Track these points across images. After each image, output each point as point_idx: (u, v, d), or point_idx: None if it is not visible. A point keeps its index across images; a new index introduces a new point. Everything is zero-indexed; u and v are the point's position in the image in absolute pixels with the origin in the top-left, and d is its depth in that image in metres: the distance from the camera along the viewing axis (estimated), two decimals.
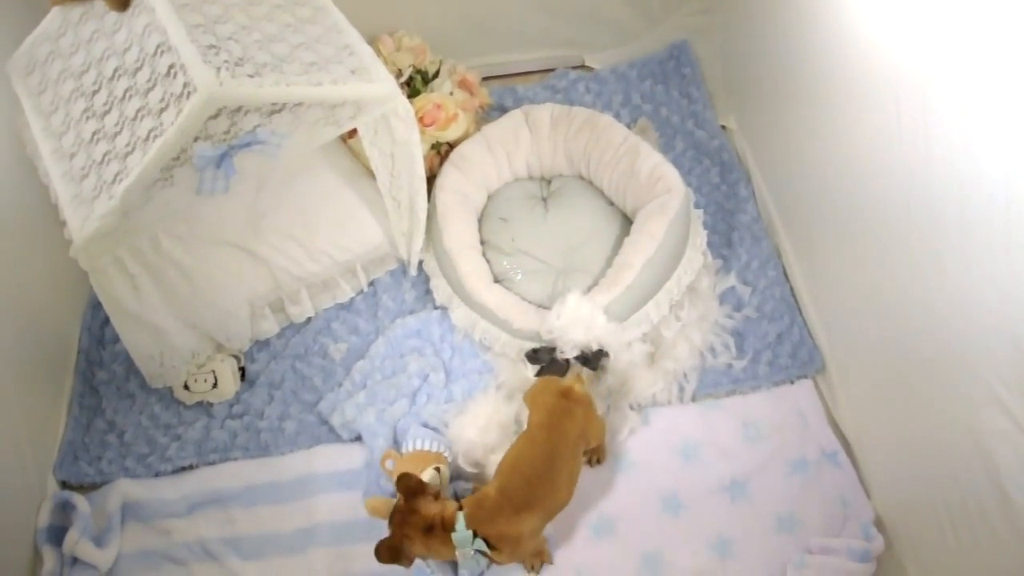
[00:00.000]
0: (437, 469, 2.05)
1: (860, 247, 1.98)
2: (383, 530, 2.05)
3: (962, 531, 1.72)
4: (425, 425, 2.17)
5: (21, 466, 2.08)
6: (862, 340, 2.06)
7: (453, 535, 1.79)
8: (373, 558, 1.94)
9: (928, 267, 1.68)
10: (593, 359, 2.06)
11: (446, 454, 2.10)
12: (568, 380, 1.99)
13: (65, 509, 2.11)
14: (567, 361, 2.06)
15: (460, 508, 1.83)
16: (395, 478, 1.95)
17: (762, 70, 2.46)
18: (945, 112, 1.57)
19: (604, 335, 2.07)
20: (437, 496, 1.86)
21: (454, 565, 2.00)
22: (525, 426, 1.97)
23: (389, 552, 1.81)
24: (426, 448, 2.09)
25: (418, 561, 1.92)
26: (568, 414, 1.93)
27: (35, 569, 2.04)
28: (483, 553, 1.83)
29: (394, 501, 1.92)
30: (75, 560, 2.04)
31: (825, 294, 2.25)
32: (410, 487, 1.83)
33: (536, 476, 1.87)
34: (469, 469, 2.11)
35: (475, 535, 1.80)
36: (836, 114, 1.99)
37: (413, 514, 1.80)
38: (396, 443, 2.16)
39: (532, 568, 2.01)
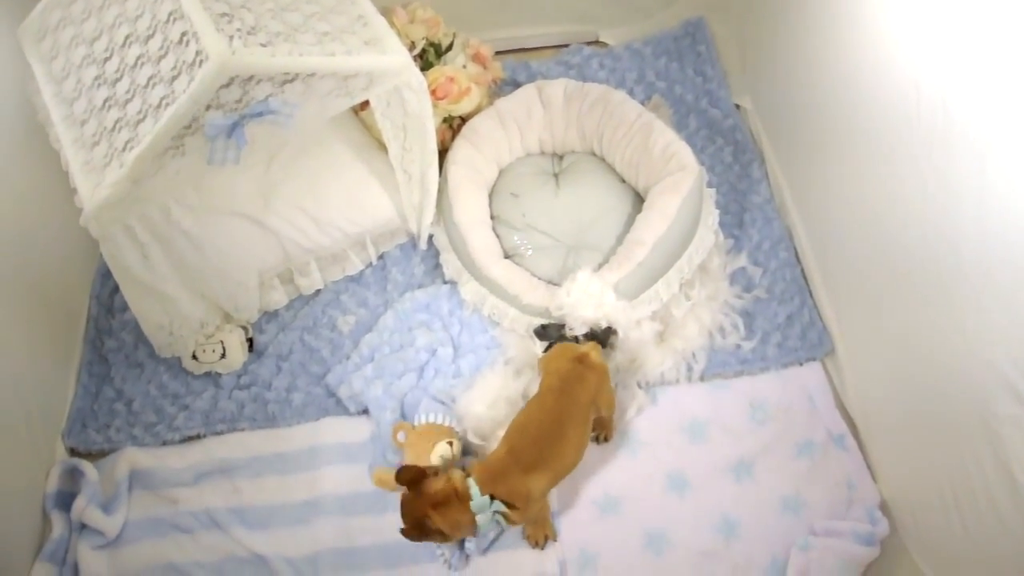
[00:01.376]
0: (450, 443, 2.06)
1: (874, 232, 1.96)
2: (388, 503, 2.07)
3: (968, 516, 1.72)
4: (433, 399, 2.17)
5: (31, 432, 2.10)
6: (873, 325, 2.05)
7: (471, 503, 1.80)
8: (377, 531, 1.96)
9: (943, 252, 1.67)
10: (602, 336, 2.05)
11: (457, 429, 2.11)
12: (585, 347, 2.00)
13: (74, 475, 2.13)
14: (576, 338, 2.06)
15: (468, 475, 1.83)
16: (405, 451, 1.96)
17: (779, 50, 2.43)
18: (965, 113, 1.55)
19: (613, 312, 2.07)
20: (437, 473, 1.86)
21: (460, 543, 2.00)
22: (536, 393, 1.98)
23: (415, 529, 1.81)
24: (438, 422, 2.10)
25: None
26: (581, 380, 1.94)
27: (44, 533, 2.06)
28: (502, 514, 1.83)
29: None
30: (83, 526, 2.06)
31: (836, 277, 2.24)
32: (412, 478, 1.82)
33: (544, 438, 1.88)
34: (477, 442, 2.11)
35: (492, 499, 1.81)
36: (854, 96, 1.97)
37: (420, 496, 1.80)
38: (403, 416, 2.17)
39: (537, 543, 2.02)
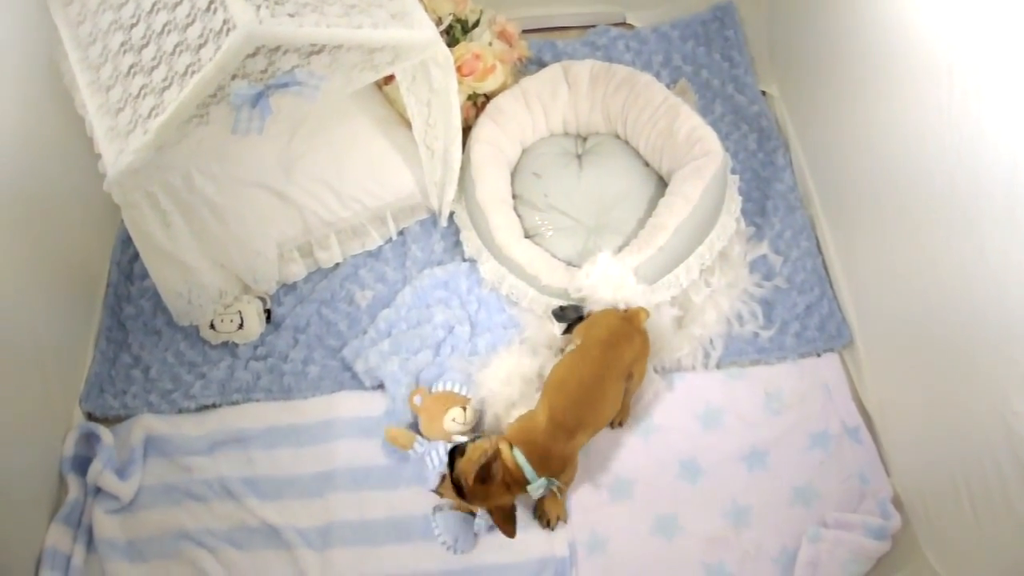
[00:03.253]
0: (463, 408, 2.08)
1: (898, 224, 1.94)
2: (401, 477, 2.09)
3: (982, 513, 1.71)
4: (453, 372, 2.19)
5: (49, 396, 2.12)
6: (892, 317, 2.04)
7: (530, 488, 1.83)
8: (389, 503, 1.98)
9: (967, 248, 1.65)
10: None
11: (473, 399, 2.12)
12: (636, 308, 2.03)
13: (90, 440, 2.15)
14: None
15: (509, 444, 1.86)
16: (420, 415, 2.07)
17: (808, 37, 2.40)
18: (1000, 92, 1.53)
19: (633, 296, 2.06)
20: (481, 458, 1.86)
21: (463, 523, 2.02)
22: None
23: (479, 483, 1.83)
24: (455, 390, 2.12)
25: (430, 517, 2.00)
26: (628, 338, 1.97)
27: (60, 496, 2.09)
28: (557, 488, 1.87)
29: (413, 436, 2.06)
30: (98, 490, 2.08)
31: (858, 268, 2.22)
32: (478, 474, 1.82)
33: (584, 395, 1.91)
34: (491, 419, 2.12)
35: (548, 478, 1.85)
36: (883, 87, 1.95)
37: (484, 485, 1.82)
38: None
39: (548, 523, 2.02)
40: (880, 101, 1.98)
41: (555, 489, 1.87)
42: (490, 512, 1.89)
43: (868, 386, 2.16)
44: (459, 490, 1.86)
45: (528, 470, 1.83)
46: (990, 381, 1.64)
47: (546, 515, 2.02)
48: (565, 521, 2.04)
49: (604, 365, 1.94)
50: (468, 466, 1.83)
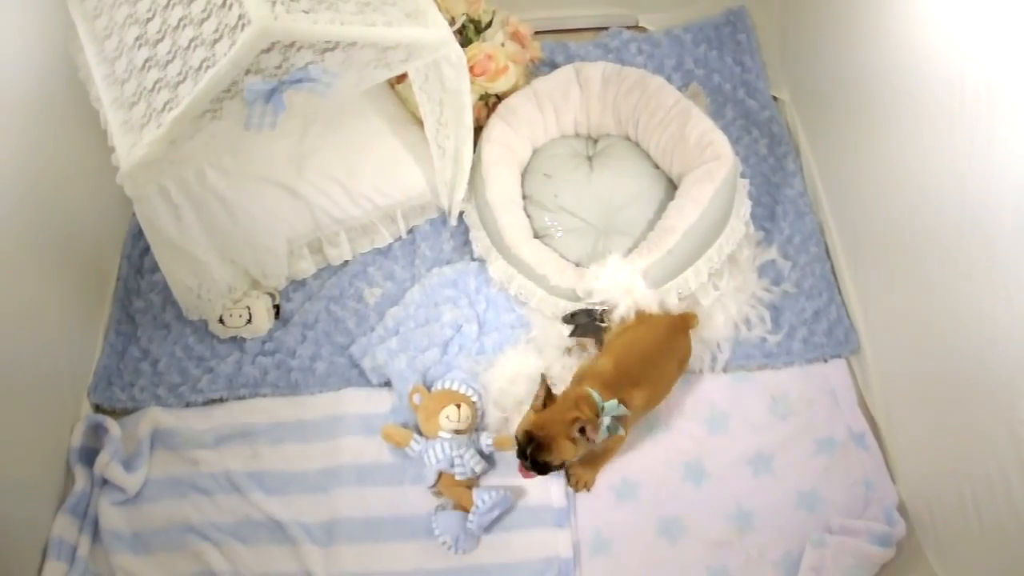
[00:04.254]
0: (458, 406, 2.08)
1: (906, 230, 1.94)
2: (406, 475, 2.09)
3: (987, 521, 1.70)
4: (459, 372, 2.19)
5: (58, 387, 2.14)
6: (900, 324, 2.03)
7: (605, 409, 1.86)
8: (393, 501, 1.99)
9: (978, 256, 1.65)
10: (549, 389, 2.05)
11: (475, 398, 2.12)
12: (690, 313, 2.13)
13: (97, 432, 2.16)
14: (603, 324, 2.06)
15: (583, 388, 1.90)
16: (417, 412, 2.09)
17: (820, 43, 2.41)
18: (1013, 102, 1.52)
19: (643, 300, 2.07)
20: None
21: (463, 523, 2.02)
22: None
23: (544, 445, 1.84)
24: (455, 388, 2.12)
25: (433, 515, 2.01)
26: (684, 333, 2.12)
27: (67, 486, 2.09)
28: (618, 419, 1.90)
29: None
30: (105, 481, 2.09)
31: (866, 275, 2.22)
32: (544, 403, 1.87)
33: (650, 358, 2.02)
34: (498, 415, 2.13)
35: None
36: (896, 96, 1.95)
37: (555, 413, 1.85)
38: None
39: (578, 483, 2.05)
40: (891, 108, 1.98)
41: (613, 425, 1.88)
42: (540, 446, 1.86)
43: (875, 392, 2.15)
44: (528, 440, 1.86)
45: (598, 396, 1.87)
46: (997, 389, 1.63)
47: (576, 477, 2.05)
48: (589, 489, 2.06)
49: (668, 344, 2.07)
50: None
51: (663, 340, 2.07)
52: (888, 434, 2.11)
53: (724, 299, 2.26)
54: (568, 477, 2.06)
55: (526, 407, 2.04)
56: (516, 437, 1.86)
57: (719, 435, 2.15)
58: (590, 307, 2.12)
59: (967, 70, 1.64)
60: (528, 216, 2.33)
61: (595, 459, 2.04)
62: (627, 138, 2.48)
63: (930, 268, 1.84)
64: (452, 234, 2.45)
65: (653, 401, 2.05)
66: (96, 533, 2.05)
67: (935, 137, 1.77)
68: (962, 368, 1.76)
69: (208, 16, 1.69)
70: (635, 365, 1.98)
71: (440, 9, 2.27)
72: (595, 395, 1.87)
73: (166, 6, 1.79)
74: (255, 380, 2.25)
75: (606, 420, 1.86)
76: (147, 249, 2.35)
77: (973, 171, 1.64)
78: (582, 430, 1.81)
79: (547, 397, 1.87)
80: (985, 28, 1.59)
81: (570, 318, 2.12)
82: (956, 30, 1.68)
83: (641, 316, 2.10)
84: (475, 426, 2.13)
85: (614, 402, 1.87)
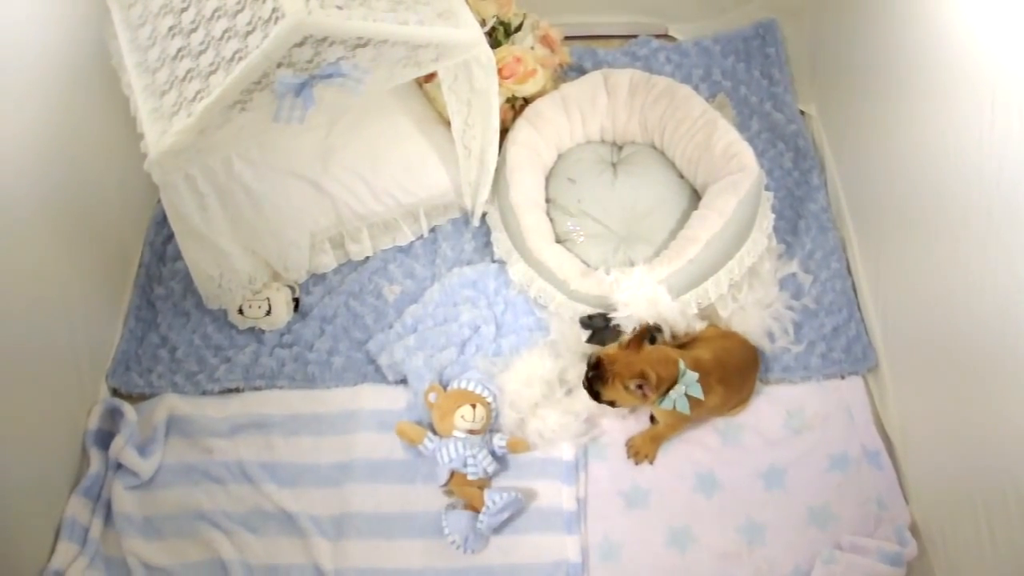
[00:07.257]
0: (473, 406, 2.09)
1: (931, 249, 1.93)
2: (418, 473, 2.10)
3: (1001, 544, 1.69)
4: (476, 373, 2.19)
5: (77, 369, 2.15)
6: (919, 343, 2.02)
7: (684, 375, 1.93)
8: (405, 498, 1.99)
9: (1005, 277, 1.63)
10: (651, 333, 2.07)
11: (490, 399, 2.12)
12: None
13: (114, 416, 2.17)
14: (617, 328, 2.07)
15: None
16: (432, 411, 2.11)
17: (850, 58, 2.40)
18: None
19: (667, 312, 2.07)
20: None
21: (473, 522, 2.02)
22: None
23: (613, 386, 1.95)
24: (471, 389, 2.12)
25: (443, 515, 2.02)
26: (757, 371, 2.20)
27: (82, 468, 2.12)
28: (689, 397, 1.94)
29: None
30: (119, 465, 2.11)
31: (887, 292, 2.20)
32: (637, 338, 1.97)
33: (739, 370, 2.12)
34: (514, 416, 2.13)
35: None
36: (925, 112, 1.93)
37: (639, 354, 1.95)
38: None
39: (637, 454, 2.11)
40: (918, 126, 1.97)
41: (685, 400, 1.94)
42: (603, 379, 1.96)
43: (891, 411, 2.14)
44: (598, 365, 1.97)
45: (684, 366, 1.93)
46: (1016, 413, 1.62)
47: (635, 447, 2.10)
48: (651, 462, 2.11)
49: (753, 370, 2.17)
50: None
51: (751, 363, 2.16)
52: (903, 453, 2.09)
53: (743, 311, 2.25)
54: (628, 448, 2.12)
55: (541, 409, 2.04)
56: (588, 357, 2.00)
57: (732, 447, 2.14)
58: (608, 313, 2.12)
59: (999, 88, 1.62)
60: (551, 220, 2.33)
61: (656, 434, 2.11)
62: (653, 146, 2.48)
63: (955, 288, 1.83)
64: (474, 235, 2.46)
65: (722, 408, 2.11)
66: (108, 516, 2.07)
67: (962, 158, 1.76)
68: (979, 389, 1.75)
69: (242, 8, 1.71)
70: (729, 367, 2.06)
71: (472, 10, 2.29)
72: (683, 364, 1.93)
73: None
74: (272, 372, 2.26)
75: (681, 389, 1.92)
76: (170, 237, 2.37)
77: (1000, 192, 1.63)
78: (640, 386, 1.90)
79: (636, 339, 1.95)
80: (1020, 46, 1.58)
81: (587, 321, 2.12)
82: (990, 47, 1.66)
83: (725, 332, 2.19)
84: (489, 427, 2.13)
85: (695, 376, 1.92)
